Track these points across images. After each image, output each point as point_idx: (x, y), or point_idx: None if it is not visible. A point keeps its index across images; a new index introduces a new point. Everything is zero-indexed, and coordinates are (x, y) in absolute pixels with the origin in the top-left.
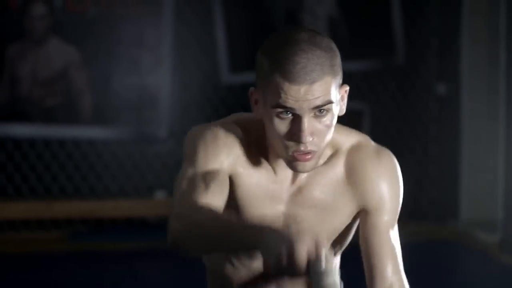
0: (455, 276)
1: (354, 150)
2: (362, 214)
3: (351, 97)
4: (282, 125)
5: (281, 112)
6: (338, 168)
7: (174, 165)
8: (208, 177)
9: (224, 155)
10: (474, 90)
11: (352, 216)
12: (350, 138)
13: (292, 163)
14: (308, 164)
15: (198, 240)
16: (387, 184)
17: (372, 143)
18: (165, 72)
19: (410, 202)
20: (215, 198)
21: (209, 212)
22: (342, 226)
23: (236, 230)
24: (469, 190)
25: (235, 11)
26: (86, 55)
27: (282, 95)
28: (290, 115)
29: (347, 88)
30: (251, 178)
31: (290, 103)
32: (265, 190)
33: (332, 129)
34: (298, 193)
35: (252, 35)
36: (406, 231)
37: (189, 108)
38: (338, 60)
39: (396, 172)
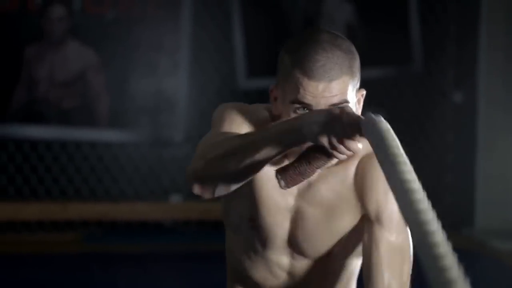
0: (470, 285)
1: (367, 158)
2: (366, 224)
3: (367, 103)
4: None
5: (298, 108)
6: (349, 172)
7: None
8: (230, 133)
9: (246, 130)
10: (490, 98)
11: (354, 223)
12: (367, 145)
13: None
14: None
15: (227, 160)
16: (389, 197)
17: None
18: (183, 76)
19: None
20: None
21: (236, 136)
22: (344, 231)
23: (271, 129)
24: (485, 198)
25: (254, 16)
26: (104, 57)
27: (301, 90)
28: (307, 111)
29: (363, 92)
30: (266, 166)
31: (308, 99)
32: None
33: None
34: (307, 188)
35: (269, 41)
36: None
37: (206, 113)
38: (357, 63)
39: None
